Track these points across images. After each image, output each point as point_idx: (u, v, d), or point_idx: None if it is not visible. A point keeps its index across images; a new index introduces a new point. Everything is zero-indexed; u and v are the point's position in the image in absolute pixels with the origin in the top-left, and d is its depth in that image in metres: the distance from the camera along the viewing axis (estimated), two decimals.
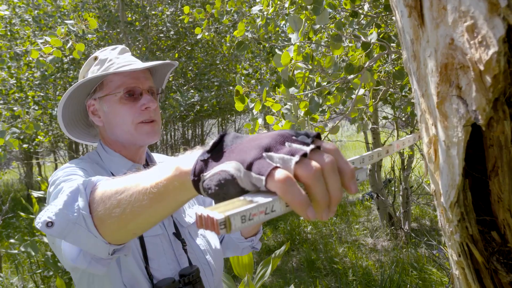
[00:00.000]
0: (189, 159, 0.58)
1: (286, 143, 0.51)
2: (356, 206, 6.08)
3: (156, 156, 1.31)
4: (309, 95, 1.37)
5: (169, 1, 5.60)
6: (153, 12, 5.35)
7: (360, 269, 3.82)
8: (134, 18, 5.44)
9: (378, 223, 5.05)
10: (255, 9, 2.17)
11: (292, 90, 1.54)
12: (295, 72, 1.41)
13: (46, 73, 3.83)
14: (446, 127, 0.67)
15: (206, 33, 2.65)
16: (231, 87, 5.43)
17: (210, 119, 11.84)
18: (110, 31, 4.70)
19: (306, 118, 1.32)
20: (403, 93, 2.10)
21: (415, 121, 4.28)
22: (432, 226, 4.84)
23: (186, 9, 2.60)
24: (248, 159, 0.49)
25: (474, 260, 0.78)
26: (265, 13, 2.19)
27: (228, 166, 0.50)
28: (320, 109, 1.44)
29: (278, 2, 2.16)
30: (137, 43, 5.54)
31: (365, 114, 1.43)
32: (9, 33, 4.35)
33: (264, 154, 0.49)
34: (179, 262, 1.08)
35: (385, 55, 1.52)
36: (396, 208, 4.82)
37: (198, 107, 4.86)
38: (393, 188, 5.50)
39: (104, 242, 0.73)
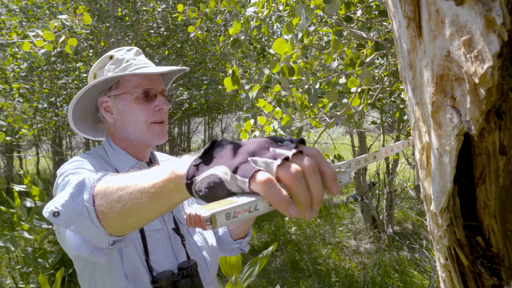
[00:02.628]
0: (183, 163, 0.63)
1: (271, 148, 0.56)
2: (340, 208, 6.15)
3: (158, 155, 1.36)
4: (306, 86, 1.40)
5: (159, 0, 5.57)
6: (144, 8, 5.31)
7: (343, 270, 3.87)
8: (124, 13, 5.40)
9: (361, 226, 5.12)
10: (250, 10, 2.19)
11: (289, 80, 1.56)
12: (292, 63, 1.43)
13: (33, 65, 3.78)
14: (439, 136, 0.70)
15: (199, 32, 2.65)
16: (220, 86, 5.43)
17: (197, 117, 11.81)
18: (100, 25, 4.66)
19: (303, 111, 1.34)
20: (392, 99, 2.14)
21: (401, 126, 4.36)
22: (414, 229, 4.93)
23: (180, 7, 2.59)
24: (235, 163, 0.54)
25: (460, 264, 0.81)
26: (260, 14, 2.20)
27: (217, 170, 0.55)
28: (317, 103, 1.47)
29: (273, 5, 2.18)
30: (127, 39, 5.49)
31: (359, 113, 1.46)
32: None
33: (249, 158, 0.54)
34: (177, 256, 1.14)
35: (383, 56, 1.55)
36: (379, 211, 4.89)
37: (187, 105, 4.85)
38: (377, 192, 5.58)
39: (105, 233, 0.78)
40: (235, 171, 0.53)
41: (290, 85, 1.45)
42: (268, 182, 0.49)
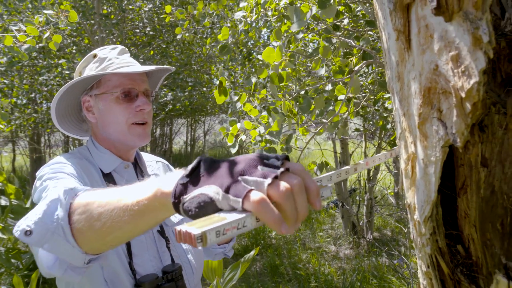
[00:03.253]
0: (169, 181, 0.62)
1: (259, 167, 0.57)
2: (320, 213, 6.19)
3: (144, 155, 1.33)
4: (301, 93, 1.41)
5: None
6: (130, 7, 5.27)
7: (322, 275, 3.90)
8: (109, 11, 5.33)
9: (341, 231, 5.17)
10: (239, 15, 2.20)
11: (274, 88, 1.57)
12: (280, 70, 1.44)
13: (13, 59, 3.69)
14: (425, 147, 0.72)
15: (187, 34, 2.64)
16: (204, 88, 5.42)
17: (179, 118, 11.73)
18: (84, 22, 4.59)
19: (292, 119, 1.35)
20: (376, 107, 2.18)
21: (382, 134, 4.44)
22: (393, 236, 5.00)
23: (168, 8, 2.58)
24: (226, 183, 0.55)
25: (440, 271, 0.83)
26: (248, 19, 2.21)
27: (207, 190, 0.56)
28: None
29: (262, 10, 2.19)
30: (112, 37, 5.42)
31: (343, 120, 1.48)
32: None
33: (239, 178, 0.55)
34: (162, 259, 1.13)
35: (368, 64, 1.58)
36: (359, 218, 4.95)
37: (171, 106, 4.82)
38: (357, 198, 5.66)
39: (81, 251, 0.75)
40: (227, 190, 0.54)
41: (278, 92, 1.47)
42: (262, 202, 0.51)
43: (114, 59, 1.16)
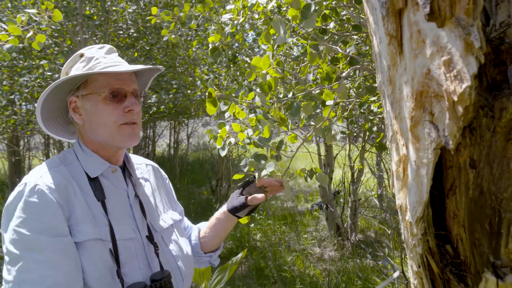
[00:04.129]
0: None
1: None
2: (305, 216, 6.23)
3: (134, 157, 1.31)
4: (289, 96, 1.41)
5: (130, 1, 5.48)
6: (114, 8, 5.21)
7: (307, 277, 3.92)
8: (92, 12, 5.26)
9: (326, 233, 5.21)
10: (226, 17, 2.20)
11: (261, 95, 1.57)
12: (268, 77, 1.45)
13: None
14: (417, 149, 0.73)
15: (173, 36, 2.63)
16: (188, 91, 5.39)
17: (162, 121, 11.64)
18: (66, 23, 4.51)
19: (281, 125, 1.36)
20: (362, 110, 2.21)
21: (366, 137, 4.49)
22: (376, 238, 5.07)
23: (154, 9, 2.57)
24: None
25: (430, 271, 0.85)
26: (235, 22, 2.21)
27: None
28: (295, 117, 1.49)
29: (249, 13, 2.20)
30: (94, 38, 5.35)
31: (330, 125, 1.50)
32: None
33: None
34: (151, 266, 1.10)
35: (355, 70, 1.60)
36: (344, 220, 5.00)
37: (155, 109, 4.78)
38: (341, 200, 5.71)
39: None
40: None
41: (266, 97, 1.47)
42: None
43: (101, 59, 1.13)
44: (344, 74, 1.38)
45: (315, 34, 1.45)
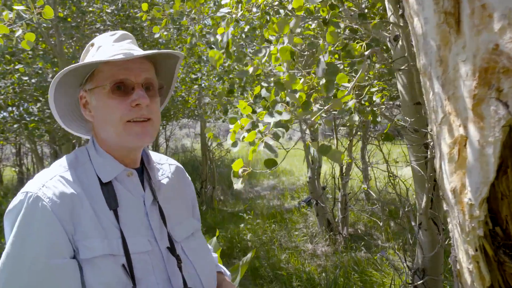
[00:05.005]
0: None
1: None
2: (293, 213, 6.23)
3: (155, 156, 1.18)
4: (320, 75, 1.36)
5: (107, 1, 5.33)
6: (90, 9, 5.05)
7: (304, 274, 3.91)
8: (66, 13, 5.08)
9: (316, 229, 5.22)
10: (224, 11, 2.15)
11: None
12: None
13: None
14: (481, 128, 0.71)
15: (165, 33, 2.56)
16: (172, 92, 5.29)
17: None
18: (41, 26, 4.33)
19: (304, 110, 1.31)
20: (362, 102, 2.20)
21: (354, 131, 4.53)
22: (366, 231, 5.12)
23: (145, 6, 2.49)
24: None
25: (485, 254, 0.83)
26: (234, 16, 2.17)
27: None
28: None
29: (246, 7, 2.16)
30: (70, 41, 5.18)
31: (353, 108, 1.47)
32: None
33: None
34: (172, 282, 0.98)
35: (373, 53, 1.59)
36: (334, 214, 5.02)
37: None
38: (328, 195, 5.74)
39: None
40: None
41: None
42: None
43: (107, 47, 1.00)
44: (367, 52, 1.36)
45: (333, 14, 1.43)
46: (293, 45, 1.33)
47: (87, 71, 0.99)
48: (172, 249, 1.01)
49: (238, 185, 1.39)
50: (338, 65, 1.51)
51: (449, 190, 0.87)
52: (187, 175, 1.28)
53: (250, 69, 1.57)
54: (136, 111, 0.97)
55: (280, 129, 1.46)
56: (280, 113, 1.45)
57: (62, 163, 1.00)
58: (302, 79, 1.30)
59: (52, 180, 0.93)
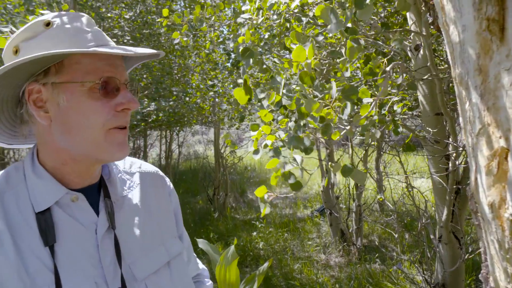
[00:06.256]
0: None
1: None
2: (306, 222, 6.17)
3: (122, 164, 0.99)
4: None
5: (126, 7, 5.40)
6: (108, 15, 5.12)
7: (317, 285, 3.85)
8: None
9: (329, 239, 5.15)
10: (244, 17, 2.15)
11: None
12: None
13: None
14: None
15: (185, 39, 2.57)
16: (187, 98, 5.33)
17: (154, 130, 11.49)
18: None
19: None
20: (382, 112, 2.16)
21: (370, 140, 4.47)
22: (380, 242, 5.03)
23: (165, 11, 2.51)
24: None
25: None
26: (254, 22, 2.17)
27: None
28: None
29: (267, 13, 2.15)
30: None
31: (373, 124, 1.44)
32: None
33: None
34: None
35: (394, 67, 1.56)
36: (347, 225, 4.96)
37: (154, 117, 4.69)
38: (342, 205, 5.67)
39: None
40: None
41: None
42: None
43: (84, 33, 0.78)
44: (388, 69, 1.34)
45: (354, 28, 1.41)
46: (312, 69, 1.31)
47: (53, 59, 0.76)
48: None
49: (264, 209, 1.36)
50: (358, 81, 1.48)
51: (486, 204, 0.83)
52: (169, 183, 1.06)
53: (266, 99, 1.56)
54: (121, 117, 0.80)
55: (299, 156, 1.45)
56: (301, 139, 1.44)
57: None
58: (318, 102, 1.28)
59: None
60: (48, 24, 0.78)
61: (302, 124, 1.48)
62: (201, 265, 1.15)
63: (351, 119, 1.64)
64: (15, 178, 0.80)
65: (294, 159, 1.41)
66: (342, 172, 1.49)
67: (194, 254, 1.11)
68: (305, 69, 1.33)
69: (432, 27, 1.61)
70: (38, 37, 0.77)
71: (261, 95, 1.42)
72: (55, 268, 0.73)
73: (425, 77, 2.08)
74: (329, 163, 1.37)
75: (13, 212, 0.76)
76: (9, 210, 0.76)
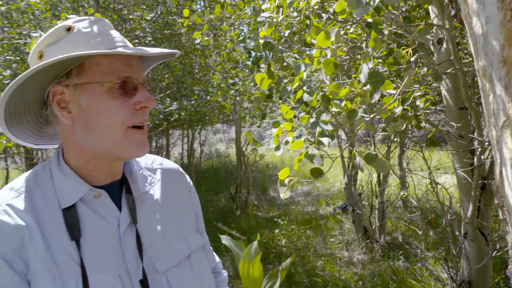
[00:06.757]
0: None
1: None
2: (329, 219, 6.14)
3: (143, 160, 1.03)
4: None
5: (147, 8, 5.49)
6: (130, 17, 5.21)
7: (340, 282, 3.84)
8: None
9: (352, 237, 5.12)
10: (264, 15, 2.16)
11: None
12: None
13: (18, 72, 3.59)
14: None
15: (206, 38, 2.60)
16: (208, 97, 5.38)
17: (176, 130, 11.64)
18: None
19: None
20: (404, 107, 2.14)
21: (392, 137, 4.42)
22: (404, 239, 4.97)
23: (186, 12, 2.54)
24: None
25: None
26: (274, 20, 2.17)
27: None
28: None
29: (287, 10, 2.16)
30: None
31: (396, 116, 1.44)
32: None
33: None
34: None
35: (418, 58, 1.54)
36: (370, 222, 4.91)
37: (176, 116, 4.75)
38: (364, 202, 5.63)
39: None
40: None
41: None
42: None
43: (102, 36, 0.82)
44: (413, 58, 1.33)
45: (376, 20, 1.40)
46: (337, 56, 1.31)
47: (73, 62, 0.81)
48: (144, 282, 0.83)
49: (284, 194, 1.37)
50: (382, 72, 1.48)
51: (511, 198, 0.82)
52: (188, 179, 1.11)
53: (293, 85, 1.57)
54: (139, 116, 0.84)
55: (325, 138, 1.44)
56: (326, 123, 1.44)
57: (15, 185, 0.84)
58: (347, 87, 1.28)
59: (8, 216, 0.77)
60: (69, 29, 0.83)
61: (325, 115, 1.48)
62: (217, 258, 1.20)
63: (375, 109, 1.63)
64: (42, 176, 0.85)
65: (320, 142, 1.41)
66: (366, 159, 1.48)
67: (211, 247, 1.15)
68: (328, 56, 1.34)
69: (455, 19, 1.59)
70: (60, 42, 0.82)
71: (285, 80, 1.43)
72: (81, 261, 0.78)
73: (448, 71, 2.05)
74: (353, 151, 1.37)
75: (41, 208, 0.81)
76: (38, 207, 0.81)
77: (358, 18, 1.77)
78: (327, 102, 1.31)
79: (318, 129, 1.35)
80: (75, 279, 0.77)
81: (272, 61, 1.40)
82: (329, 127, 1.38)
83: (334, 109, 1.34)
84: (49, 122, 0.89)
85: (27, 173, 0.87)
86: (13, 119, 0.86)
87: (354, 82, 1.28)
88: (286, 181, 1.34)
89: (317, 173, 1.32)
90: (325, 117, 1.40)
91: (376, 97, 1.30)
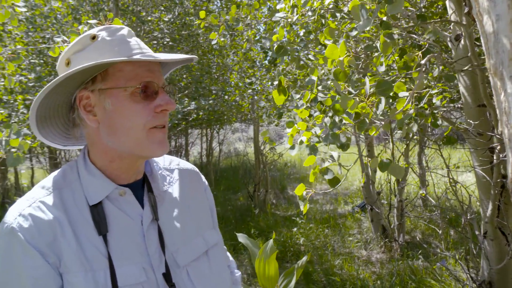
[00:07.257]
0: None
1: None
2: (347, 218, 6.11)
3: (162, 160, 1.09)
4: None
5: (165, 10, 5.57)
6: (148, 18, 5.30)
7: (358, 281, 3.82)
8: (126, 24, 5.38)
9: (371, 235, 5.08)
10: (279, 15, 2.17)
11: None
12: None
13: (41, 75, 3.72)
14: None
15: (222, 39, 2.63)
16: (226, 96, 5.42)
17: (195, 129, 11.74)
18: None
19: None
20: (421, 105, 2.12)
21: (410, 135, 4.36)
22: (423, 238, 4.90)
23: (202, 13, 2.58)
24: None
25: None
26: (289, 20, 2.19)
27: None
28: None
29: (302, 10, 2.17)
30: None
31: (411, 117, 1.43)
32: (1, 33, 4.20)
33: None
34: None
35: (430, 60, 1.54)
36: (390, 221, 4.87)
37: (195, 115, 4.81)
38: (383, 201, 5.57)
39: None
40: None
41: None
42: None
43: (125, 44, 0.87)
44: (423, 62, 1.32)
45: (387, 23, 1.40)
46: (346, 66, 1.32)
47: (99, 68, 0.86)
48: (167, 276, 0.89)
49: (305, 207, 1.39)
50: (394, 75, 1.48)
51: None
52: (204, 179, 1.17)
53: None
54: (160, 118, 0.89)
55: (336, 152, 1.46)
56: (336, 136, 1.46)
57: (45, 184, 0.90)
58: (355, 98, 1.29)
59: (30, 208, 0.84)
60: (94, 37, 0.89)
61: (337, 120, 1.49)
62: (230, 258, 1.24)
63: (388, 111, 1.63)
64: (70, 176, 0.91)
65: (331, 156, 1.43)
66: (379, 167, 1.49)
67: (225, 247, 1.19)
68: (338, 66, 1.35)
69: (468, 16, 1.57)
70: (86, 50, 0.88)
71: (296, 96, 1.45)
72: (109, 255, 0.84)
73: (466, 67, 2.02)
74: (367, 159, 1.38)
75: (71, 206, 0.87)
76: (68, 204, 0.87)
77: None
78: (338, 113, 1.33)
79: (329, 142, 1.37)
80: (103, 271, 0.83)
81: (282, 77, 1.42)
82: (342, 140, 1.40)
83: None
84: (75, 125, 0.96)
85: (55, 173, 0.93)
86: (43, 122, 0.93)
87: (362, 90, 1.29)
88: (304, 193, 1.36)
89: (335, 183, 1.34)
90: (337, 129, 1.41)
91: (381, 108, 1.31)
